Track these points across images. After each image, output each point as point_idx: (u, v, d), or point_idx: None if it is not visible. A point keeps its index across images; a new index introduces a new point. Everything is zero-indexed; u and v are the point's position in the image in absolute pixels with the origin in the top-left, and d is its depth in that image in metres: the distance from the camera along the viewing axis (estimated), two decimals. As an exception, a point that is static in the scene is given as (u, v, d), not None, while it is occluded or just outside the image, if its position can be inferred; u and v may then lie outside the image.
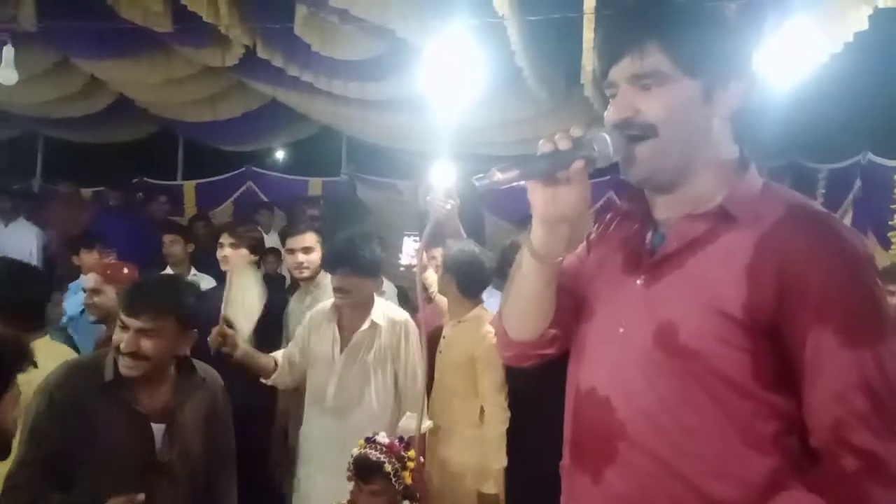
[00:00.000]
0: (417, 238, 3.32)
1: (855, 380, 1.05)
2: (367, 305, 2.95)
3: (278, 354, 3.03)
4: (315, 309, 3.12)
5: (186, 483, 2.18)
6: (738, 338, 1.09)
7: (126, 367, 2.07)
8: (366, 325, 2.92)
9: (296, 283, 3.72)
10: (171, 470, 2.13)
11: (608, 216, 1.37)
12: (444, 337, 3.16)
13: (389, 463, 2.40)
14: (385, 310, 3.01)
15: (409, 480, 2.43)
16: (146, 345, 2.06)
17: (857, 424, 1.05)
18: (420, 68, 4.10)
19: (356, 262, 2.86)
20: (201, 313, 2.26)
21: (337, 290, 2.89)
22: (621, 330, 1.20)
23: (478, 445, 2.99)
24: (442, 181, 3.24)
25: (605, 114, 1.20)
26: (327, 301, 3.08)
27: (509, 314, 1.35)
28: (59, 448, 2.03)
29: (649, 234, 1.24)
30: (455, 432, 3.04)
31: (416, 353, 2.98)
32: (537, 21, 3.76)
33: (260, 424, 3.31)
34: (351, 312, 2.95)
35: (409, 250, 3.29)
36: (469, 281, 3.14)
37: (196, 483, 2.21)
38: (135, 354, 2.05)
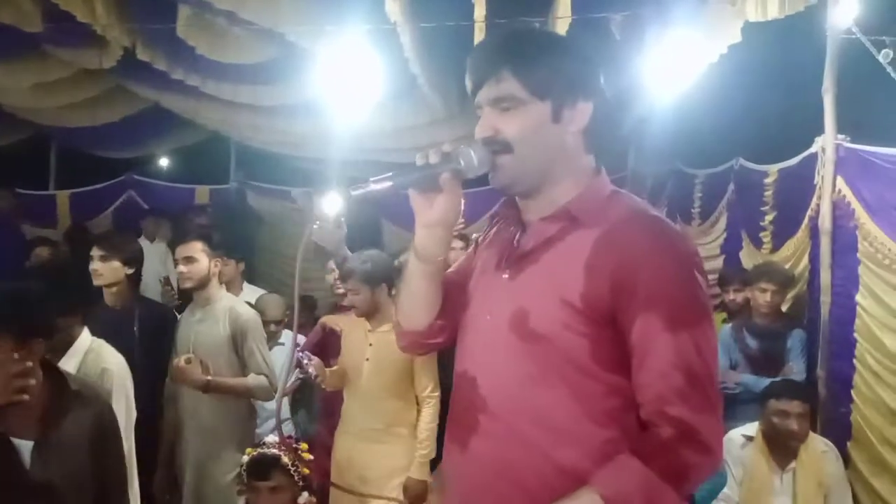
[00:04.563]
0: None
1: (675, 360, 1.22)
2: None
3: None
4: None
5: None
6: (578, 324, 1.26)
7: None
8: None
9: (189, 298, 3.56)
10: (48, 491, 1.96)
11: (491, 221, 1.54)
12: (370, 345, 3.18)
13: (286, 455, 2.46)
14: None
15: (306, 471, 2.51)
16: None
17: (675, 398, 1.21)
18: (312, 73, 4.03)
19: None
20: (43, 321, 2.05)
21: None
22: (488, 317, 1.37)
23: (411, 440, 3.13)
24: (331, 209, 3.21)
25: (475, 130, 1.36)
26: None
27: (401, 307, 1.52)
28: None
29: (517, 235, 1.40)
30: (391, 433, 3.13)
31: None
32: (431, 28, 3.77)
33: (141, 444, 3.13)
34: None
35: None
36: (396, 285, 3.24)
37: None
38: None
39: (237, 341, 3.17)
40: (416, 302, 1.47)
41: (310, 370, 3.02)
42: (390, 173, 1.29)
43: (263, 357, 3.21)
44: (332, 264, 3.78)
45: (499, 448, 1.31)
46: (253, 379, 3.15)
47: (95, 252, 3.23)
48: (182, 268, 3.23)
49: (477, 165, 1.30)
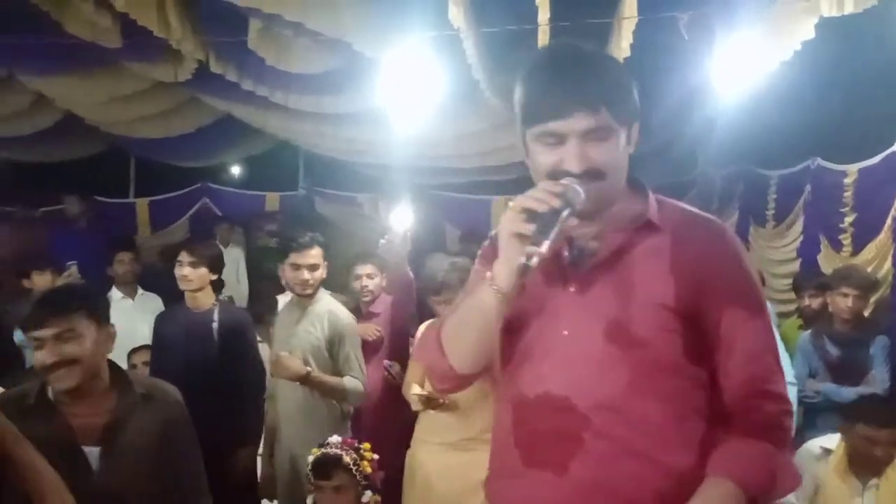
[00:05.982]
0: None
1: (764, 344, 1.35)
2: None
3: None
4: None
5: None
6: (671, 323, 1.31)
7: (58, 380, 1.97)
8: None
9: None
10: (115, 497, 1.99)
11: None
12: None
13: (347, 455, 2.51)
14: None
15: (368, 469, 2.53)
16: (69, 349, 1.96)
17: (770, 377, 1.34)
18: (377, 81, 4.08)
19: None
20: (107, 307, 2.18)
21: None
22: (566, 333, 1.34)
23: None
24: (399, 225, 3.23)
25: (553, 161, 1.31)
26: None
27: (463, 352, 1.40)
28: None
29: (565, 251, 1.38)
30: (482, 440, 2.92)
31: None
32: (493, 33, 3.76)
33: (238, 445, 3.31)
34: None
35: None
36: None
37: None
38: (59, 363, 1.95)
39: (334, 344, 3.23)
40: (483, 344, 1.38)
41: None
42: (540, 234, 1.22)
43: (359, 362, 3.27)
44: (365, 269, 3.85)
45: (605, 464, 1.29)
46: (349, 381, 3.22)
47: (185, 258, 3.41)
48: (306, 275, 3.25)
49: (585, 200, 1.28)
